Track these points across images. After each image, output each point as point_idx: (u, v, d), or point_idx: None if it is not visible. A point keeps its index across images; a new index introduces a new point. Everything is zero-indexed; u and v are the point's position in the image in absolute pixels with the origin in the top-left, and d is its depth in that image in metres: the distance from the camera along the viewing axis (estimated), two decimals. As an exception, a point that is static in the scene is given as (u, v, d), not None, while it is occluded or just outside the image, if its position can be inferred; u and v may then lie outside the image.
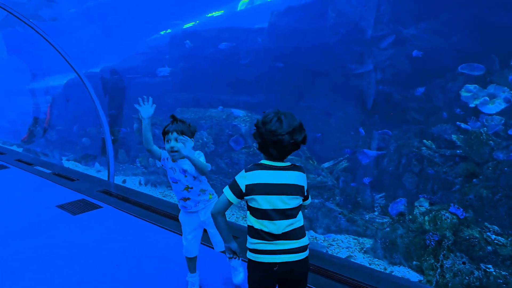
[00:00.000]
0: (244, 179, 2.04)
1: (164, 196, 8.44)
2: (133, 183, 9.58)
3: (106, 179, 7.44)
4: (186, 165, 2.77)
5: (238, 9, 27.07)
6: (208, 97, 10.29)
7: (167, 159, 2.86)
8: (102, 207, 5.45)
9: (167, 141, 2.75)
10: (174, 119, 2.83)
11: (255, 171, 2.04)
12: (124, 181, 9.52)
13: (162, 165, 2.89)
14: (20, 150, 14.02)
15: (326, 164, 7.50)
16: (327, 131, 8.63)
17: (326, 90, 8.77)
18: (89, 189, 6.38)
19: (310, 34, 9.02)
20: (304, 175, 2.13)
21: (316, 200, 6.31)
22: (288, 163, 2.10)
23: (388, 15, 7.96)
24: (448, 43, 7.09)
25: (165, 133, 2.78)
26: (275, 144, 1.99)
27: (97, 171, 10.84)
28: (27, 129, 16.74)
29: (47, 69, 18.81)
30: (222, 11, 26.62)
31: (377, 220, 6.14)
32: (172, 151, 2.74)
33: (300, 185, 2.07)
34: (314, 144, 8.52)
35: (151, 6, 20.00)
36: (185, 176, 2.82)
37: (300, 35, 9.20)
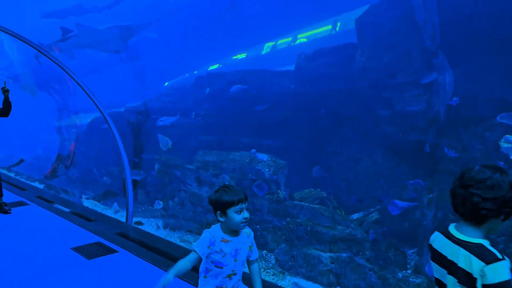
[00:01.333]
0: None
1: (182, 242, 8.12)
2: (151, 225, 9.31)
3: (124, 220, 7.21)
4: (241, 243, 2.48)
5: (263, 52, 27.62)
6: (232, 139, 10.15)
7: (214, 242, 2.46)
8: (118, 251, 5.18)
9: (239, 211, 2.41)
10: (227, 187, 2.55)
11: None
12: (141, 224, 9.27)
13: (209, 254, 2.48)
14: (41, 186, 14.05)
15: (355, 215, 7.08)
16: (355, 179, 8.26)
17: (353, 136, 8.50)
18: (106, 231, 6.15)
19: (338, 78, 8.89)
20: None
21: (344, 254, 5.87)
22: None
23: (420, 61, 7.76)
24: (485, 90, 6.79)
25: (232, 203, 2.42)
26: None
27: (115, 212, 10.65)
28: (51, 165, 16.89)
29: (74, 106, 19.28)
30: (245, 54, 27.20)
31: (411, 279, 5.61)
32: (246, 221, 2.44)
33: None
34: (341, 193, 8.14)
35: (177, 48, 20.59)
36: (235, 260, 2.46)
37: (327, 79, 9.08)
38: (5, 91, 6.48)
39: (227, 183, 8.18)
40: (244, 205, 2.43)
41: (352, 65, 8.64)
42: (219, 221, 2.49)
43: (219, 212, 2.46)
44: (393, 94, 8.10)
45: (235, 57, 27.48)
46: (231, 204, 2.41)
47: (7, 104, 6.59)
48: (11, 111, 6.70)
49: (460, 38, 6.99)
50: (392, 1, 8.06)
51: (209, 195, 2.59)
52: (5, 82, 6.52)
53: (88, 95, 8.37)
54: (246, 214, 2.42)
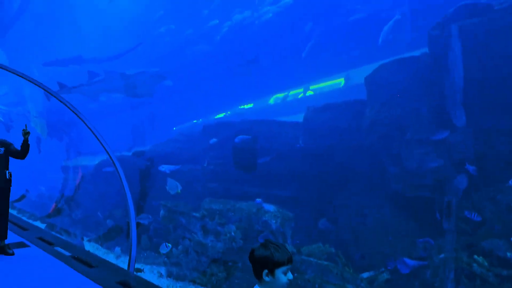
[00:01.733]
0: None
1: (184, 292, 7.88)
2: (154, 273, 9.07)
3: (126, 267, 7.03)
4: None
5: (271, 102, 28.14)
6: (238, 188, 10.11)
7: None
8: (119, 302, 5.01)
9: (286, 272, 2.25)
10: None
11: None
12: (141, 271, 9.04)
13: None
14: (43, 226, 13.87)
15: (365, 274, 6.88)
16: (363, 233, 8.13)
17: (361, 190, 8.46)
18: (107, 279, 5.97)
19: (347, 132, 8.99)
20: None
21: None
22: None
23: (430, 117, 7.87)
24: (496, 153, 6.82)
25: (283, 263, 2.25)
26: None
27: (117, 256, 10.42)
28: (54, 205, 16.78)
29: (82, 148, 19.45)
30: (252, 104, 27.74)
31: None
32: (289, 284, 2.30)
33: None
34: (349, 247, 7.98)
35: (188, 96, 21.14)
36: None
37: (336, 132, 9.19)
38: (26, 133, 6.53)
39: (233, 233, 8.05)
40: (290, 266, 2.27)
41: (361, 120, 8.77)
42: (262, 281, 2.26)
43: (266, 271, 2.24)
44: (402, 151, 8.14)
45: (242, 106, 28.07)
46: (282, 263, 2.23)
47: (26, 146, 6.62)
48: (27, 154, 6.74)
49: (474, 99, 7.13)
50: (402, 62, 8.32)
51: (252, 250, 2.34)
52: (26, 125, 6.62)
53: (98, 138, 8.49)
54: (290, 275, 2.26)
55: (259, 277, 2.28)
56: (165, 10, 19.50)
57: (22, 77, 8.31)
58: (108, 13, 20.01)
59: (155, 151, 14.03)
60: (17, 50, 20.92)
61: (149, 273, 8.97)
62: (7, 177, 6.68)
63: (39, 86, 8.49)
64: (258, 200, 8.46)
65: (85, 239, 12.44)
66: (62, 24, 20.20)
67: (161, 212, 9.88)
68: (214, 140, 11.26)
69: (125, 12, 19.97)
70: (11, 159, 6.89)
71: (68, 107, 8.48)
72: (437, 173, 7.61)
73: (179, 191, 9.48)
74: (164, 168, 11.67)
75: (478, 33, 7.02)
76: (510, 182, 6.27)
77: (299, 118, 10.78)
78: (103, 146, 8.46)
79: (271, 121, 11.20)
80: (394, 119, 8.32)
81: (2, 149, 6.67)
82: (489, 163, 6.91)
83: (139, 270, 8.92)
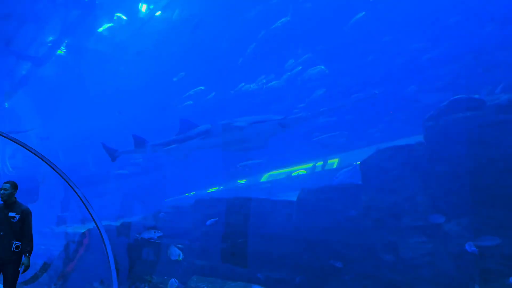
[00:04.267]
0: None
1: None
2: None
3: None
4: None
5: (263, 180, 28.12)
6: (227, 267, 9.68)
7: None
8: None
9: None
10: None
11: None
12: None
13: None
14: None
15: None
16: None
17: (356, 277, 8.12)
18: None
19: (342, 215, 8.87)
20: None
21: None
22: None
23: (425, 204, 7.84)
24: (494, 248, 6.70)
25: None
26: None
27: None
28: (33, 273, 15.74)
29: (69, 216, 18.94)
30: (245, 180, 27.67)
31: None
32: None
33: None
34: None
35: (181, 169, 21.14)
36: None
37: (330, 214, 9.05)
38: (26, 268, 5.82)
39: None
40: None
41: (356, 204, 8.70)
42: None
43: None
44: (398, 239, 7.99)
45: (236, 182, 27.93)
46: None
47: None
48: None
49: (467, 189, 7.18)
50: (397, 149, 8.49)
51: None
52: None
53: (86, 207, 8.31)
54: None
55: None
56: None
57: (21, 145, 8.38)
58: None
59: (143, 223, 13.59)
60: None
61: None
62: (13, 248, 5.74)
63: (36, 155, 8.50)
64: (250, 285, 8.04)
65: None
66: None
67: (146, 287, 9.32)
68: (212, 220, 10.89)
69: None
70: None
71: (59, 174, 8.42)
72: (435, 268, 7.41)
73: (180, 258, 9.07)
74: (150, 234, 11.17)
75: (471, 126, 7.27)
76: (510, 279, 6.06)
77: (292, 196, 10.65)
78: (92, 216, 8.24)
79: (264, 199, 11.03)
80: (389, 205, 8.28)
81: (18, 217, 5.84)
82: (489, 259, 6.76)
83: None
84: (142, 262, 11.72)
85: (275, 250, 9.72)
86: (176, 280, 8.68)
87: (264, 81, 15.27)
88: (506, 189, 6.78)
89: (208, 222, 11.18)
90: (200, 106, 17.30)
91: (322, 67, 13.32)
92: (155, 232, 10.60)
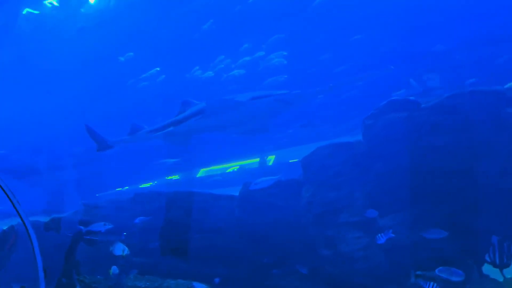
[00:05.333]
0: None
1: None
2: None
3: None
4: None
5: (198, 175, 28.01)
6: (167, 264, 9.46)
7: None
8: None
9: None
10: None
11: None
12: None
13: None
14: None
15: None
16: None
17: (297, 273, 8.29)
18: None
19: (284, 210, 8.99)
20: None
21: None
22: None
23: (362, 200, 8.16)
24: (423, 241, 7.15)
25: None
26: None
27: None
28: None
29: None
30: (179, 176, 27.43)
31: None
32: None
33: None
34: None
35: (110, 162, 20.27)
36: None
37: (273, 209, 9.14)
38: None
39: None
40: None
41: (298, 200, 8.86)
42: None
43: None
44: (336, 234, 8.26)
45: (169, 177, 27.54)
46: None
47: None
48: None
49: (401, 186, 7.56)
50: (337, 146, 8.74)
51: None
52: None
53: (11, 200, 7.67)
54: None
55: None
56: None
57: None
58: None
59: (74, 218, 12.82)
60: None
61: None
62: None
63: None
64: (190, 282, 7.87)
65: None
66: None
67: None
68: (142, 218, 10.45)
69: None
70: None
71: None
72: (369, 261, 7.75)
73: (124, 254, 8.61)
74: (98, 227, 10.40)
75: (406, 126, 7.66)
76: (436, 271, 6.46)
77: (234, 191, 10.59)
78: (17, 210, 7.62)
79: (206, 194, 10.88)
80: (329, 201, 8.51)
81: None
82: (418, 252, 7.20)
83: None
84: (74, 261, 11.13)
85: (217, 245, 9.65)
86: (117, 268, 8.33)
87: (223, 65, 14.59)
88: (437, 187, 7.25)
89: (137, 220, 10.72)
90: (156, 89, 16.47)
91: (284, 53, 13.12)
92: (104, 225, 9.86)
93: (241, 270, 9.19)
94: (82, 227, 10.63)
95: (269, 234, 9.13)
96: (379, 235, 7.23)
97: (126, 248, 8.69)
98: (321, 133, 15.12)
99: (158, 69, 15.89)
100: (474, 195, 6.90)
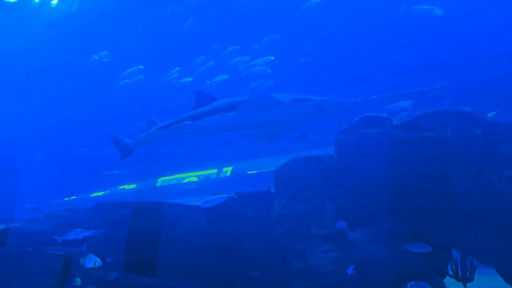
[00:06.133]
0: None
1: None
2: None
3: None
4: None
5: (158, 184, 27.37)
6: (130, 278, 9.05)
7: None
8: None
9: None
10: None
11: None
12: None
13: None
14: None
15: None
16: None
17: (268, 286, 8.19)
18: None
19: (255, 222, 8.88)
20: None
21: None
22: None
23: (333, 213, 8.20)
24: (392, 254, 7.29)
25: None
26: None
27: None
28: None
29: None
30: (135, 185, 26.81)
31: None
32: None
33: None
34: None
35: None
36: None
37: (243, 221, 9.01)
38: None
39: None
40: None
41: (270, 211, 8.80)
42: None
43: None
44: (306, 247, 8.24)
45: (122, 187, 26.76)
46: None
47: None
48: None
49: (376, 200, 7.69)
50: (309, 159, 8.77)
51: None
52: None
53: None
54: None
55: None
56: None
57: None
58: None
59: (29, 228, 12.04)
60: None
61: None
62: None
63: None
64: None
65: None
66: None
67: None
68: (108, 218, 10.00)
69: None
70: None
71: None
72: (339, 274, 7.78)
73: (96, 266, 8.10)
74: (75, 235, 9.65)
75: (378, 141, 7.82)
76: (408, 286, 6.60)
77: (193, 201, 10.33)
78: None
79: (173, 204, 10.57)
80: (300, 214, 8.50)
81: None
82: (387, 265, 7.32)
83: None
84: (25, 276, 10.46)
85: (183, 258, 9.37)
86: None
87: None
88: (407, 202, 7.43)
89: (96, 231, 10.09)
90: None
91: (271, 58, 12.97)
92: (82, 232, 9.20)
93: (208, 284, 8.97)
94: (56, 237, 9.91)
95: (237, 247, 8.99)
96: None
97: (98, 260, 8.23)
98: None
99: (141, 67, 15.32)
100: (442, 211, 7.13)
